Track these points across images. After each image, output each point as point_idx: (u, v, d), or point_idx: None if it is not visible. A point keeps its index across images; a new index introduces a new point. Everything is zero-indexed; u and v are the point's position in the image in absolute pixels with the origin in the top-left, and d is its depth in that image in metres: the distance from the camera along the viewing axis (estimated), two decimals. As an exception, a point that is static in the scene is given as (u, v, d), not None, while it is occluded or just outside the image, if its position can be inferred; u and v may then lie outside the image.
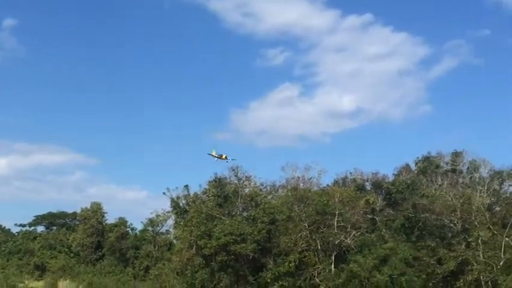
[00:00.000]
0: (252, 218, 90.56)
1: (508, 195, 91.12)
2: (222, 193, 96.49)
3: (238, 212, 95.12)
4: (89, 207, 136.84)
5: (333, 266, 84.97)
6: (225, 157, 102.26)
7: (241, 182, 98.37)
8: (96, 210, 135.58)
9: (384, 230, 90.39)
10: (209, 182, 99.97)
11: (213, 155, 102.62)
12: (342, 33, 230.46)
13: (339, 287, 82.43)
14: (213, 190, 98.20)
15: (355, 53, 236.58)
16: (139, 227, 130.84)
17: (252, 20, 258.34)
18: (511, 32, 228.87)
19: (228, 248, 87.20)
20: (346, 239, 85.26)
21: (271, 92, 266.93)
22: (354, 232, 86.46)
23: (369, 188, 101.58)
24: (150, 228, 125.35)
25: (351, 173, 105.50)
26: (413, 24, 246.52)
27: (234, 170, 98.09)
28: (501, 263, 76.88)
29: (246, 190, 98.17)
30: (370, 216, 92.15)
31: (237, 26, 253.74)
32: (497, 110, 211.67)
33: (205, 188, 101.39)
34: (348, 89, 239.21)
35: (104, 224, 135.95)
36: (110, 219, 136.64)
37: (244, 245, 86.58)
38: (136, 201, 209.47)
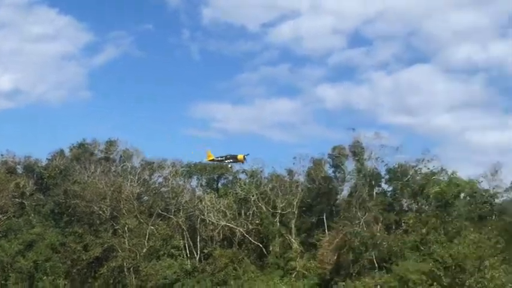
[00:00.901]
0: None
1: (156, 185, 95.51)
2: None
3: None
4: None
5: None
6: (243, 157, 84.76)
7: None
8: None
9: (33, 215, 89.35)
10: None
11: (220, 160, 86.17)
12: (4, 9, 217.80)
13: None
14: None
15: (18, 31, 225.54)
16: None
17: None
18: (172, 29, 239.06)
19: None
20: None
21: None
22: (1, 216, 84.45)
23: (20, 172, 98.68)
24: None
25: (2, 155, 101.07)
26: (80, 10, 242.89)
27: None
28: (144, 250, 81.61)
29: None
30: (19, 200, 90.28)
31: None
32: (153, 103, 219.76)
33: None
34: (7, 68, 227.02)
35: None
36: None
37: None
38: None
